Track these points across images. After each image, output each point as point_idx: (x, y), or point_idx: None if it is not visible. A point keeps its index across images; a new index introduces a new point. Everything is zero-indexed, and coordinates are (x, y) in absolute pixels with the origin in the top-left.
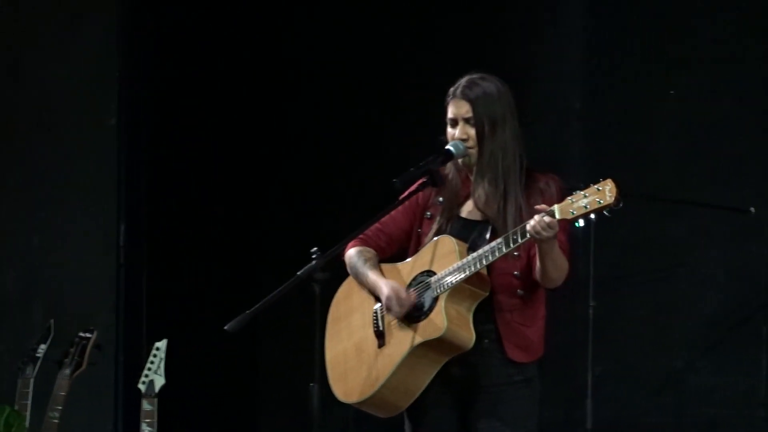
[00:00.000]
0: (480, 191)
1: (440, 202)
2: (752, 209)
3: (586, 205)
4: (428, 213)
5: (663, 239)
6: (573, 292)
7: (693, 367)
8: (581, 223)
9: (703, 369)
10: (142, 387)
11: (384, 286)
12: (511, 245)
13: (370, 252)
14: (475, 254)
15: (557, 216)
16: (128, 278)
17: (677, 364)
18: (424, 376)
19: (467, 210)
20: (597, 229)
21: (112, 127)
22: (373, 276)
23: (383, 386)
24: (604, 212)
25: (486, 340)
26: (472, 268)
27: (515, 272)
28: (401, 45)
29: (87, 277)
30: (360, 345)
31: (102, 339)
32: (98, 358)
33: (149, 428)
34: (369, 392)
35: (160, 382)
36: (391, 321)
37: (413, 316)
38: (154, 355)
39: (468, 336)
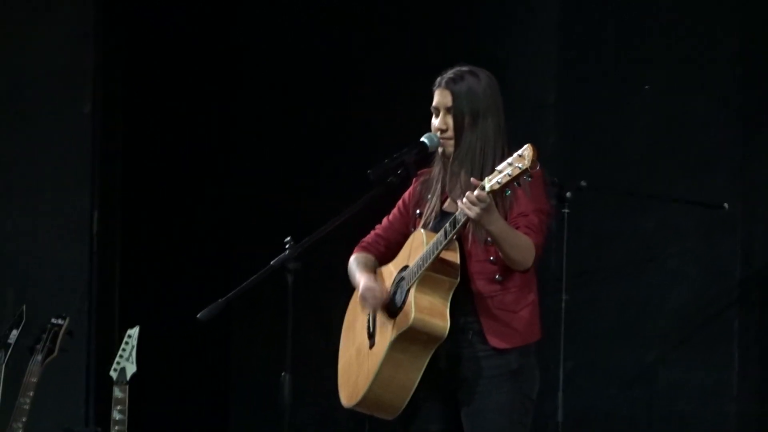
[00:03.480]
0: (456, 183)
1: (428, 199)
2: (725, 205)
3: (510, 172)
4: (418, 211)
5: (636, 234)
6: (545, 285)
7: (664, 361)
8: (509, 192)
9: (674, 363)
10: (113, 374)
11: (360, 284)
12: (455, 227)
13: (368, 257)
14: (431, 243)
15: (486, 188)
16: (101, 265)
17: (648, 358)
18: (413, 371)
19: (448, 203)
20: (570, 223)
21: (86, 114)
22: (358, 276)
23: (372, 384)
24: (525, 177)
25: (470, 332)
26: (431, 257)
27: (491, 257)
28: (377, 35)
29: (60, 264)
30: (359, 349)
31: (74, 326)
32: (70, 344)
33: (120, 415)
34: (362, 393)
35: (131, 369)
36: (380, 321)
37: (392, 311)
38: (126, 343)
39: (441, 324)
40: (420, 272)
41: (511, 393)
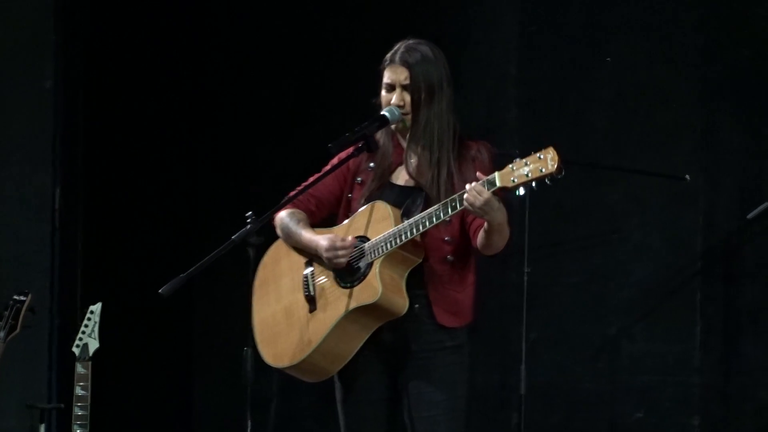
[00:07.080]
0: (413, 158)
1: (371, 167)
2: (687, 177)
3: (528, 173)
4: (359, 178)
5: (598, 206)
6: (508, 257)
7: (627, 333)
8: (521, 191)
9: (637, 336)
10: (76, 350)
11: (321, 240)
12: (449, 212)
13: (302, 214)
14: (411, 220)
15: (498, 184)
16: (63, 241)
17: (611, 331)
18: (356, 341)
19: (400, 176)
20: (532, 195)
21: (47, 89)
22: (307, 235)
23: (315, 351)
24: (546, 181)
25: (417, 305)
26: (408, 234)
27: (446, 238)
28: (331, 10)
29: (22, 240)
30: (290, 309)
31: (36, 302)
32: (32, 321)
33: (83, 391)
34: (300, 356)
35: (94, 345)
36: (322, 286)
37: (346, 281)
38: (89, 319)
39: (402, 302)
40: (391, 248)
41: (455, 366)
